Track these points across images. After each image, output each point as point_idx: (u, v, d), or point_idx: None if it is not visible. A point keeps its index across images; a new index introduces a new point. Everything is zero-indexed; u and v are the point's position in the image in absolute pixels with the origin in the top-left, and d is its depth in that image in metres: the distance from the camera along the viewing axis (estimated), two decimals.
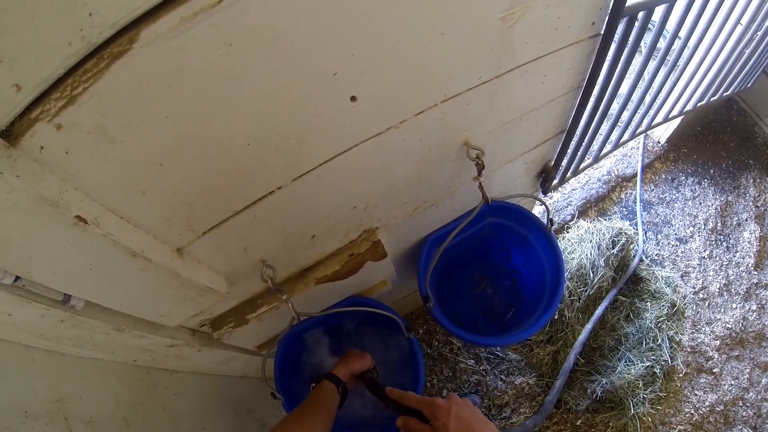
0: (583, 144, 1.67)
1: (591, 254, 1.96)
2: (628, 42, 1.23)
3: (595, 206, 2.67)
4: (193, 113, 0.61)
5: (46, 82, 0.48)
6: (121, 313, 0.86)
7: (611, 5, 0.97)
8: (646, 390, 1.90)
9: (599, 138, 1.81)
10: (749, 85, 2.76)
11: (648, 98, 1.93)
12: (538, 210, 2.12)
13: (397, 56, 0.73)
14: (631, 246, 2.13)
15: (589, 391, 1.92)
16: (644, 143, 2.88)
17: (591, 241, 2.01)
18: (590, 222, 2.12)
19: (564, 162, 1.68)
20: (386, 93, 0.79)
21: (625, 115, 1.89)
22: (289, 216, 0.93)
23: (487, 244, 1.65)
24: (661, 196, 2.82)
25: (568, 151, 1.53)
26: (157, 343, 1.02)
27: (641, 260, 2.22)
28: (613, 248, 2.02)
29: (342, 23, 0.62)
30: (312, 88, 0.68)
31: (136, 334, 0.94)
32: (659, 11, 1.32)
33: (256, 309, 1.12)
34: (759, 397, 2.45)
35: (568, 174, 1.83)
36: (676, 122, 2.77)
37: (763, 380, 2.48)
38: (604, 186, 2.72)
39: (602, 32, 1.03)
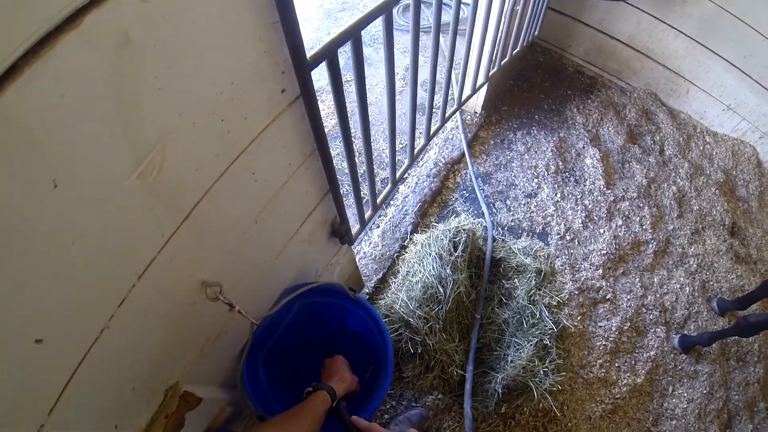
0: (366, 180, 1.69)
1: (434, 268, 1.98)
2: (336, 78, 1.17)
3: (433, 203, 2.67)
4: None
5: None
6: None
7: (293, 69, 0.93)
8: (543, 365, 1.96)
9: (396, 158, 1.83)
10: (539, 24, 2.92)
11: (443, 79, 1.96)
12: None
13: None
14: (477, 236, 2.19)
15: (490, 392, 1.97)
16: (462, 119, 2.95)
17: (431, 254, 2.01)
18: (425, 234, 2.15)
19: (352, 209, 1.72)
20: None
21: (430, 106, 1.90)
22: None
23: (317, 317, 1.64)
24: (496, 162, 2.90)
25: (349, 200, 1.54)
26: None
27: (494, 240, 2.29)
28: (455, 251, 2.07)
29: None
30: None
31: None
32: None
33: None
34: (658, 295, 2.61)
35: (368, 214, 1.84)
36: (486, 87, 2.82)
37: (655, 279, 2.64)
38: (435, 179, 2.72)
39: (299, 93, 1.00)
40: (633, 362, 2.42)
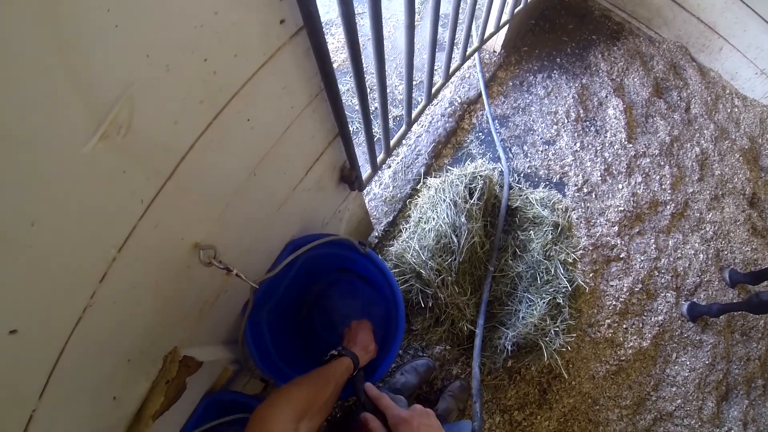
0: (379, 119, 1.52)
1: (448, 216, 1.80)
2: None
3: (447, 144, 2.50)
4: None
5: None
6: None
7: None
8: (555, 323, 1.84)
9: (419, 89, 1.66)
10: None
11: (465, 16, 1.77)
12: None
13: None
14: (494, 183, 2.02)
15: (499, 348, 1.86)
16: (480, 58, 2.71)
17: (445, 201, 1.83)
18: (439, 178, 1.97)
19: (363, 150, 1.55)
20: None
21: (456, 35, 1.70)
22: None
23: (323, 269, 1.53)
24: (514, 105, 2.70)
25: (359, 139, 1.38)
26: None
27: (510, 188, 2.12)
28: (471, 198, 1.89)
29: None
30: None
31: None
32: None
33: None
34: (671, 259, 2.49)
35: (380, 157, 1.66)
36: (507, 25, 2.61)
37: (670, 242, 2.52)
38: (450, 119, 2.53)
39: (302, 24, 0.83)
40: (641, 325, 2.34)
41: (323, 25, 0.84)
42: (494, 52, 2.80)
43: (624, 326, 2.30)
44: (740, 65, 3.21)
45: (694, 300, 2.46)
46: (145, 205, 0.70)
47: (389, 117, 1.57)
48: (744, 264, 2.63)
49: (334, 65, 1.04)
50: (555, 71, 2.85)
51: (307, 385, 0.89)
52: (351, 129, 1.22)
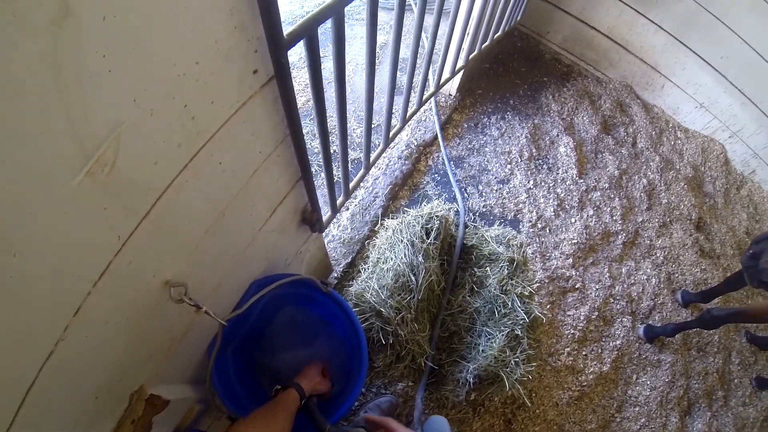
0: (340, 167, 1.63)
1: (406, 256, 1.91)
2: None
3: (404, 186, 2.60)
4: None
5: None
6: None
7: (267, 47, 0.83)
8: (514, 355, 1.94)
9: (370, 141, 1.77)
10: (522, 9, 2.89)
11: (422, 62, 1.91)
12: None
13: None
14: (450, 222, 2.14)
15: (461, 382, 1.94)
16: (436, 101, 2.86)
17: (402, 241, 1.94)
18: (397, 219, 2.08)
19: (324, 196, 1.65)
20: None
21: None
22: None
23: (287, 308, 1.57)
24: (469, 146, 2.85)
25: (319, 180, 1.48)
26: None
27: (466, 227, 2.25)
28: (428, 237, 2.00)
29: None
30: None
31: None
32: None
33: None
34: (625, 285, 2.63)
35: (340, 200, 1.78)
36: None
37: (623, 269, 2.67)
38: (407, 161, 2.65)
39: (273, 74, 0.91)
40: (600, 350, 2.44)
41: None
42: (450, 95, 2.97)
43: (584, 353, 2.41)
44: (681, 100, 3.48)
45: (650, 322, 2.58)
46: (122, 242, 0.73)
47: (348, 163, 1.68)
48: (695, 284, 2.79)
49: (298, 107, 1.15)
50: (508, 112, 3.04)
51: (259, 418, 0.95)
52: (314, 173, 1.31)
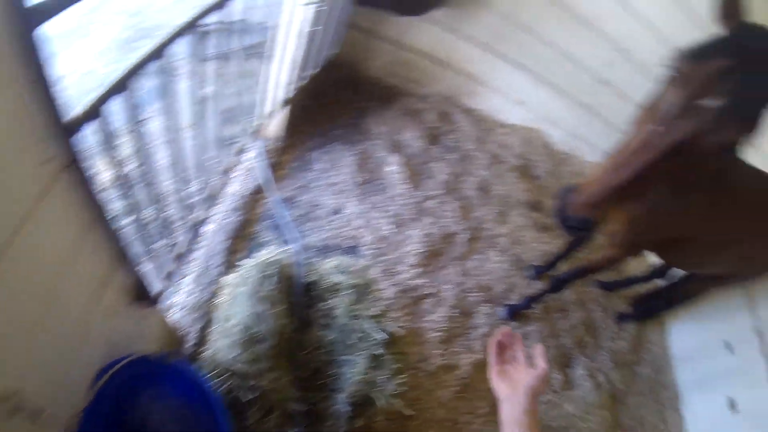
0: (161, 245, 1.64)
1: (249, 309, 1.95)
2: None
3: (241, 238, 2.58)
4: None
5: None
6: None
7: (54, 132, 0.79)
8: (381, 373, 1.99)
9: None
10: (338, 41, 3.07)
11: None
12: None
13: None
14: (287, 265, 2.19)
15: (338, 414, 1.97)
16: (262, 147, 2.86)
17: (243, 294, 1.98)
18: (235, 274, 2.12)
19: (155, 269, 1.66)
20: None
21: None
22: None
23: (134, 395, 1.51)
24: (300, 185, 2.89)
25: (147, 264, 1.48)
26: None
27: (303, 264, 2.31)
28: (269, 287, 2.05)
29: None
30: None
31: None
32: None
33: None
34: (477, 278, 2.85)
35: (169, 269, 1.80)
36: (283, 111, 2.83)
37: (467, 264, 2.88)
38: (239, 212, 2.63)
39: (72, 161, 0.88)
40: (468, 342, 2.60)
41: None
42: (275, 139, 2.99)
43: (454, 349, 2.55)
44: (500, 101, 3.94)
45: (509, 303, 2.80)
46: None
47: (174, 226, 1.69)
48: (542, 259, 3.06)
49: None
50: (335, 143, 3.17)
51: None
52: (136, 251, 1.30)
